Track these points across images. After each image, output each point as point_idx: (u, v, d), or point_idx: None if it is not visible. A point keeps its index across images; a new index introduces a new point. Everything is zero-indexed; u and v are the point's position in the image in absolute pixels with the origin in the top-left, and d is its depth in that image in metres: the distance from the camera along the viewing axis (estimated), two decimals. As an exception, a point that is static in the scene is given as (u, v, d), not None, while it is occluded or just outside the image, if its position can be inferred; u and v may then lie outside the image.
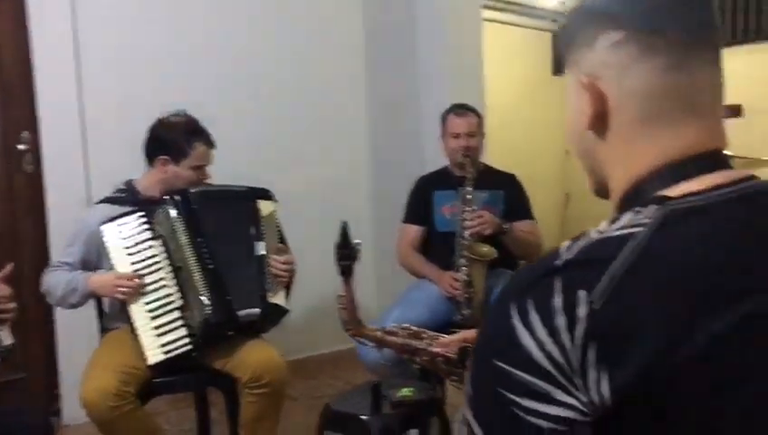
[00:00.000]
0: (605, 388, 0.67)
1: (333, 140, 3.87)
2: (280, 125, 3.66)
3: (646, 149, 0.79)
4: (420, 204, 3.02)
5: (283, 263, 2.40)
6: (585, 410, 0.68)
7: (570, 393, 0.68)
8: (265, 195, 2.49)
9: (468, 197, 2.77)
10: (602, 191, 0.87)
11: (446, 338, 1.40)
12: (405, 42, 3.80)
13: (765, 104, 5.03)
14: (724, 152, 0.81)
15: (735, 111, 5.26)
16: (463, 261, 2.74)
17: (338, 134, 3.89)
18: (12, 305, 1.87)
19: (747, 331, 0.70)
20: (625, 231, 0.71)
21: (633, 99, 0.78)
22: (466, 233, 2.74)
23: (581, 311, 0.67)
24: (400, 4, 3.82)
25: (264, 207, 2.45)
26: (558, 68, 6.41)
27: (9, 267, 1.91)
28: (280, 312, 2.43)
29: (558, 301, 0.68)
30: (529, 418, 0.69)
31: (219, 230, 2.34)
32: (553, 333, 0.68)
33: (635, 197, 0.79)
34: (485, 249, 2.74)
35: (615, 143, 0.81)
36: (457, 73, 3.77)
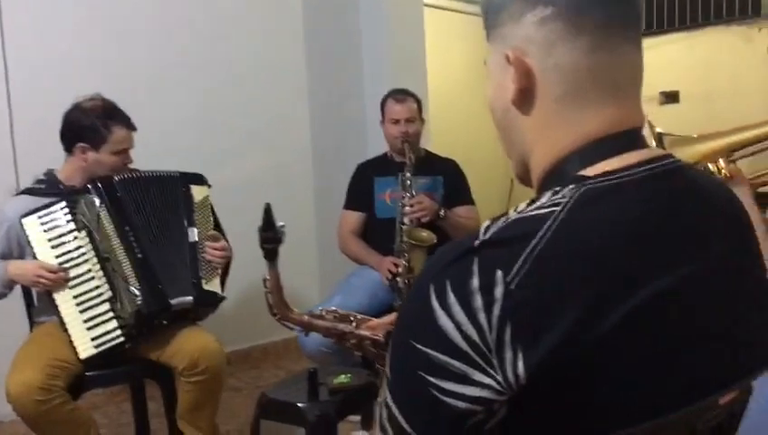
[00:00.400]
0: (520, 367, 0.67)
1: (275, 127, 3.82)
2: (218, 114, 3.59)
3: (567, 128, 0.78)
4: (361, 190, 3.01)
5: (218, 249, 2.35)
6: (501, 389, 0.68)
7: (486, 373, 0.67)
8: (198, 180, 2.43)
9: (408, 182, 2.77)
10: (524, 176, 0.87)
11: (374, 321, 1.38)
12: (346, 27, 3.78)
13: (701, 89, 5.16)
14: (642, 131, 0.81)
15: (673, 96, 5.39)
16: (403, 247, 2.74)
17: (279, 121, 3.84)
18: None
19: (659, 308, 0.71)
20: (543, 210, 0.71)
21: (557, 76, 0.77)
22: (406, 219, 2.74)
23: (498, 291, 0.66)
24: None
25: (197, 192, 2.40)
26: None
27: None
28: (215, 299, 2.38)
29: (475, 281, 0.67)
30: (447, 399, 0.68)
31: (148, 218, 2.29)
32: (471, 313, 0.67)
33: (555, 176, 0.79)
34: (425, 235, 2.74)
35: (537, 120, 0.80)
36: (400, 59, 3.77)
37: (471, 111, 5.33)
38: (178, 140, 3.32)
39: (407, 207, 2.74)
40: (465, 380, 0.68)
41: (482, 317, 0.67)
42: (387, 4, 3.70)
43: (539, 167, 0.82)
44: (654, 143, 1.50)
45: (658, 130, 1.50)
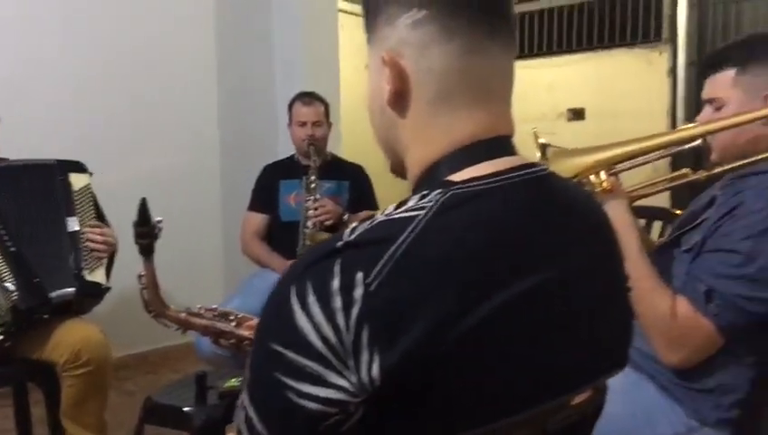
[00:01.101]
0: (375, 369, 0.67)
1: (180, 123, 3.72)
2: (118, 108, 3.46)
3: (439, 132, 0.80)
4: (265, 192, 2.98)
5: (101, 237, 2.27)
6: (355, 390, 0.68)
7: (342, 375, 0.67)
8: (77, 168, 2.34)
9: (312, 186, 2.77)
10: (399, 171, 0.87)
11: (255, 320, 1.37)
12: (258, 25, 3.73)
13: (606, 108, 5.37)
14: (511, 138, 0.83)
15: (579, 114, 5.59)
16: (306, 250, 2.72)
17: (185, 118, 3.74)
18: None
19: (515, 312, 0.72)
20: (408, 214, 0.72)
21: (431, 79, 0.78)
22: (309, 222, 2.73)
23: (357, 292, 0.67)
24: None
25: (77, 180, 2.30)
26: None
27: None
28: (99, 290, 2.29)
29: (336, 283, 0.67)
30: (301, 401, 0.68)
31: (20, 209, 2.18)
32: (330, 315, 0.67)
33: (426, 180, 0.80)
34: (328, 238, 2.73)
35: (412, 122, 0.81)
36: (312, 61, 3.75)
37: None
38: (70, 131, 3.18)
39: (310, 211, 2.73)
40: (320, 381, 0.68)
41: (340, 318, 0.67)
42: (300, 5, 3.68)
43: (414, 168, 0.83)
44: (538, 154, 1.54)
45: (542, 140, 1.54)
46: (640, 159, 1.59)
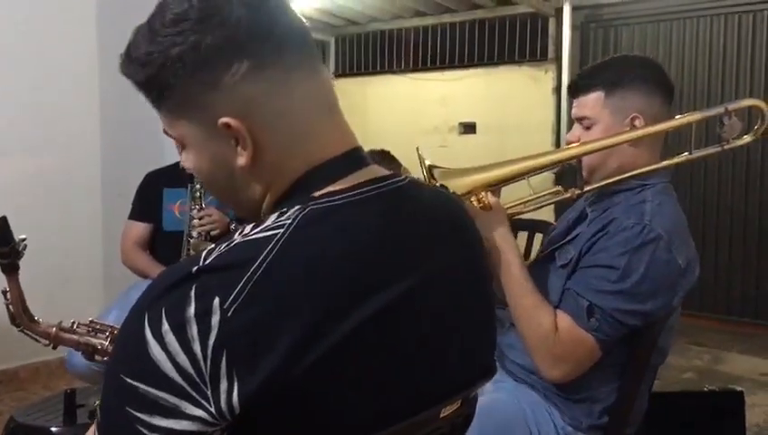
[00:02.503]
0: (234, 397, 0.65)
1: (56, 124, 3.51)
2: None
3: (292, 162, 0.78)
4: (148, 200, 2.86)
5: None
6: (213, 420, 0.66)
7: (199, 405, 0.66)
8: None
9: (198, 194, 2.67)
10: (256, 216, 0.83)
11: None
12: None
13: (495, 122, 5.54)
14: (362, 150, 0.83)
15: (471, 127, 5.74)
16: (189, 261, 2.63)
17: (62, 118, 3.53)
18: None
19: (378, 325, 0.72)
20: (266, 233, 0.70)
21: (283, 121, 0.76)
22: (194, 232, 2.64)
23: (215, 319, 0.65)
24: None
25: None
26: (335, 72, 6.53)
27: None
28: None
29: (191, 309, 0.65)
30: None
31: None
32: (185, 343, 0.65)
33: (286, 199, 0.78)
34: (213, 249, 2.66)
35: (265, 168, 0.78)
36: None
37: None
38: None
39: (195, 220, 2.64)
40: (175, 413, 0.65)
41: (197, 347, 0.65)
42: None
43: (270, 201, 0.80)
44: (425, 175, 1.56)
45: (428, 162, 1.56)
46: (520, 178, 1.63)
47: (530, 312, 1.45)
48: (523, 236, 2.39)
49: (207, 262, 0.68)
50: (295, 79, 0.76)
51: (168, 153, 3.43)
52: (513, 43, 5.57)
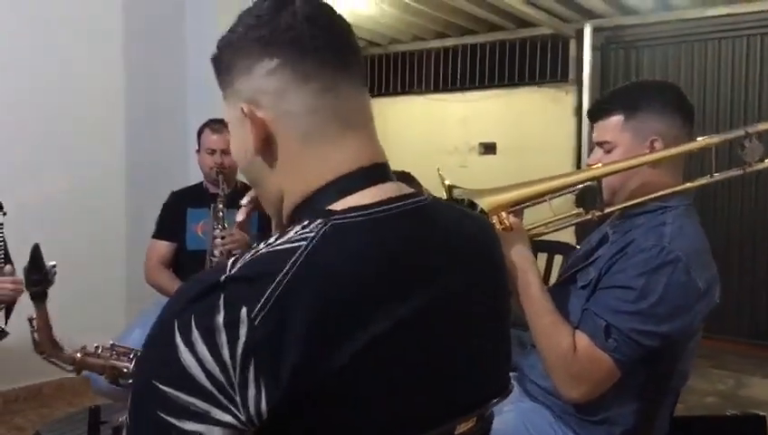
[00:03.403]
0: (263, 403, 0.67)
1: (84, 145, 3.57)
2: (16, 126, 3.30)
3: (313, 166, 0.81)
4: (173, 220, 2.90)
5: (11, 285, 2.15)
6: (242, 426, 0.67)
7: (229, 411, 0.67)
8: None
9: (220, 214, 2.71)
10: (278, 214, 0.87)
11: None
12: (170, 42, 3.63)
13: (515, 143, 5.55)
14: (386, 165, 0.85)
15: (491, 148, 5.75)
16: (212, 280, 2.66)
17: (90, 139, 3.59)
18: None
19: (395, 340, 0.73)
20: (290, 245, 0.72)
21: (293, 121, 0.81)
22: (216, 251, 2.67)
23: (243, 328, 0.67)
24: (168, 3, 3.63)
25: None
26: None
27: None
28: None
29: (220, 318, 0.67)
30: None
31: None
32: (214, 350, 0.67)
33: (305, 209, 0.81)
34: (235, 268, 2.68)
35: (284, 163, 0.83)
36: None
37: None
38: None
39: (217, 240, 2.67)
40: (205, 419, 0.67)
41: (226, 354, 0.67)
42: (215, 24, 3.62)
43: (290, 203, 0.84)
44: (445, 195, 1.57)
45: (448, 182, 1.58)
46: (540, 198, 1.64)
47: (549, 331, 1.46)
48: (542, 257, 2.39)
49: (234, 271, 0.70)
50: (310, 88, 0.80)
51: (192, 173, 3.48)
52: (534, 64, 5.60)
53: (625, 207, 1.54)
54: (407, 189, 0.84)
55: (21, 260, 2.28)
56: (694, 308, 1.41)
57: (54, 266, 1.28)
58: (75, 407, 3.27)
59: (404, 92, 6.30)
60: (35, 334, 1.29)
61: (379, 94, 6.44)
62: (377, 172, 0.83)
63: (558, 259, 2.42)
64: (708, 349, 3.67)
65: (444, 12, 5.27)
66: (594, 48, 5.25)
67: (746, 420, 1.91)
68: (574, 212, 1.62)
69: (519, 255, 1.51)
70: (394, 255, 0.77)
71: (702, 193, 1.57)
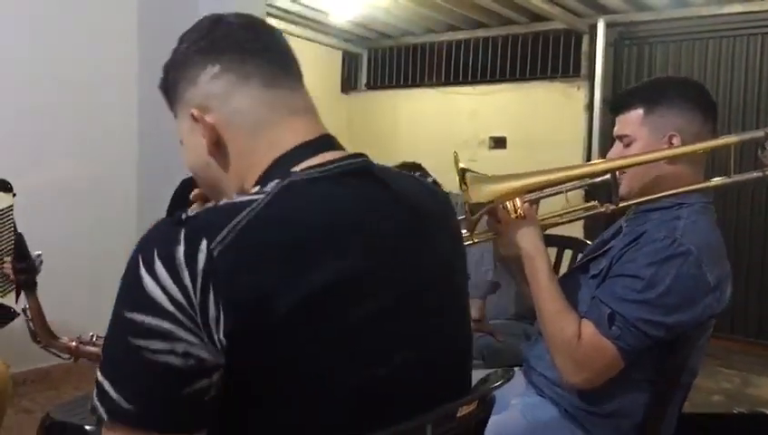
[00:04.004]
0: (221, 326, 0.72)
1: (96, 133, 3.58)
2: (29, 112, 3.31)
3: (264, 151, 0.89)
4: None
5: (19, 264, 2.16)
6: (207, 348, 0.72)
7: (191, 332, 0.72)
8: (2, 186, 2.23)
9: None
10: None
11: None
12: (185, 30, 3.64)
13: (525, 137, 5.53)
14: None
15: (501, 142, 5.74)
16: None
17: (102, 127, 3.60)
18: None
19: (341, 288, 0.78)
20: (250, 197, 0.79)
21: (242, 116, 0.89)
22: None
23: (201, 256, 0.73)
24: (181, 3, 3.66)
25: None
26: (346, 86, 6.58)
27: None
28: (8, 314, 2.18)
29: (180, 248, 0.73)
30: (158, 357, 0.72)
31: None
32: (175, 275, 0.72)
33: (264, 177, 0.87)
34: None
35: (237, 159, 0.90)
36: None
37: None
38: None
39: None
40: (171, 337, 0.72)
41: (186, 278, 0.72)
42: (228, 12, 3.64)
43: (249, 187, 0.89)
44: (458, 178, 1.57)
45: (462, 165, 1.58)
46: (554, 190, 1.64)
47: (554, 317, 1.47)
48: (552, 252, 2.39)
49: (194, 213, 0.78)
50: (252, 85, 0.89)
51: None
52: (546, 58, 5.58)
53: (640, 202, 1.54)
54: (351, 153, 0.90)
55: (30, 247, 2.31)
56: (702, 302, 1.41)
57: (40, 256, 1.30)
58: (82, 391, 3.29)
59: (415, 85, 6.29)
60: (30, 324, 1.30)
61: (390, 86, 6.43)
62: (327, 142, 0.90)
63: (567, 254, 2.43)
64: (715, 348, 3.67)
65: (457, 5, 5.25)
66: (607, 44, 5.23)
67: (753, 418, 1.90)
68: (589, 204, 1.62)
69: (529, 242, 1.52)
70: (350, 207, 0.83)
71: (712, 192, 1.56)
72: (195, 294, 0.72)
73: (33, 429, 2.75)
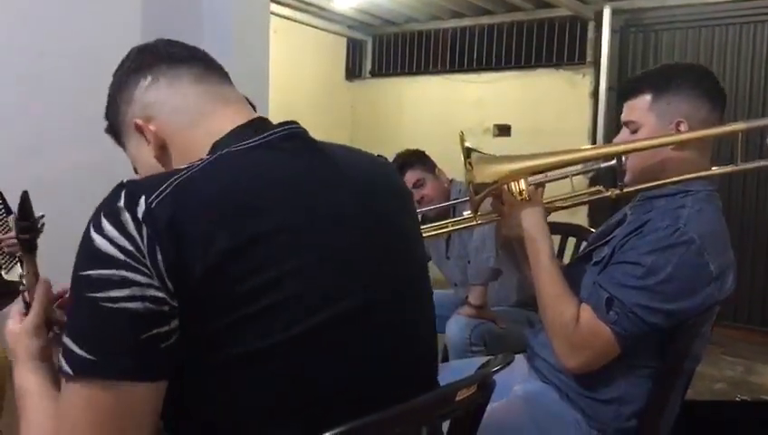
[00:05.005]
0: (169, 271, 0.77)
1: (98, 120, 3.56)
2: (26, 102, 3.29)
3: (203, 140, 0.94)
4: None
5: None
6: (161, 289, 0.77)
7: (144, 274, 0.77)
8: None
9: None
10: None
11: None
12: (188, 29, 3.64)
13: (530, 125, 5.52)
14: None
15: (506, 130, 5.72)
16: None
17: (101, 116, 3.59)
18: None
19: (271, 238, 0.82)
20: (185, 166, 0.85)
21: (180, 114, 0.97)
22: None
23: (140, 209, 0.78)
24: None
25: None
26: (351, 74, 6.57)
27: None
28: (16, 289, 2.20)
29: (122, 202, 0.79)
30: (116, 305, 0.76)
31: None
32: (120, 227, 0.78)
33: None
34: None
35: (180, 155, 0.96)
36: (244, 66, 3.69)
37: (322, 127, 5.35)
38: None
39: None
40: (126, 283, 0.76)
41: (131, 227, 0.78)
42: (231, 9, 3.62)
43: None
44: (463, 157, 1.58)
45: (467, 144, 1.58)
46: (559, 173, 1.64)
47: (554, 300, 1.47)
48: (556, 240, 2.39)
49: (135, 178, 0.85)
50: (184, 84, 0.98)
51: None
52: (551, 45, 5.55)
53: (645, 187, 1.54)
54: (285, 122, 0.95)
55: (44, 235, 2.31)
56: (704, 291, 1.40)
57: (43, 217, 1.30)
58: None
59: (419, 72, 6.27)
60: (26, 295, 1.25)
61: (395, 74, 6.41)
62: (261, 125, 0.95)
63: (571, 242, 2.43)
64: (719, 336, 3.67)
65: (462, -9, 5.23)
66: (613, 31, 5.20)
67: (756, 405, 1.91)
68: (594, 189, 1.61)
69: (532, 224, 1.52)
70: (279, 166, 0.88)
71: (718, 180, 1.55)
72: (142, 240, 0.77)
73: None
